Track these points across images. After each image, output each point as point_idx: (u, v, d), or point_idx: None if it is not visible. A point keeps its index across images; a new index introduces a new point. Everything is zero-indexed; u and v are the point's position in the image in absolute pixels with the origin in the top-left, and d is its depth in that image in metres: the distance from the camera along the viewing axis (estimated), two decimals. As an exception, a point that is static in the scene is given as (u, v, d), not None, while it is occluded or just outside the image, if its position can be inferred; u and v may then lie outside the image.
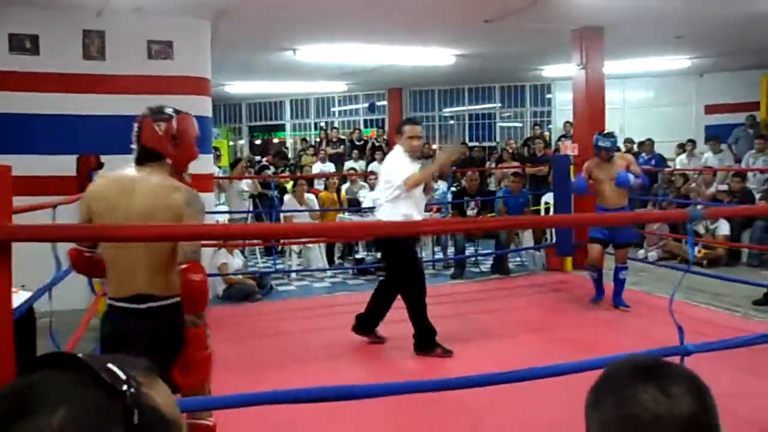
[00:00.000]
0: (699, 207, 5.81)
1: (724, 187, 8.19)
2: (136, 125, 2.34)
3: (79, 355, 0.59)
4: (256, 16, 6.66)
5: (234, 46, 8.07)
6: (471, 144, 12.78)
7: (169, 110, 2.33)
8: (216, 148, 9.68)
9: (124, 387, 0.57)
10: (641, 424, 0.78)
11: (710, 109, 12.11)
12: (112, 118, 6.07)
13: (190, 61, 6.37)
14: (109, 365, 0.58)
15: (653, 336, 4.26)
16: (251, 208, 8.24)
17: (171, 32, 6.26)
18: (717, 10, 6.78)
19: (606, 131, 5.97)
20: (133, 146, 2.33)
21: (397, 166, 4.41)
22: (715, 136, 10.22)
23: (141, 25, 6.11)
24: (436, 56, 9.24)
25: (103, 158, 5.86)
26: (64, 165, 5.78)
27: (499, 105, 13.69)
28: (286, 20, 6.95)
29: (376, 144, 12.32)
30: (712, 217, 7.03)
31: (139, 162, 2.31)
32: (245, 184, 8.17)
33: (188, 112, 2.45)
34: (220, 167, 9.55)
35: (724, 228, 7.47)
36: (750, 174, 8.65)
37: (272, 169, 10.27)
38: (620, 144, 10.89)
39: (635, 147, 10.50)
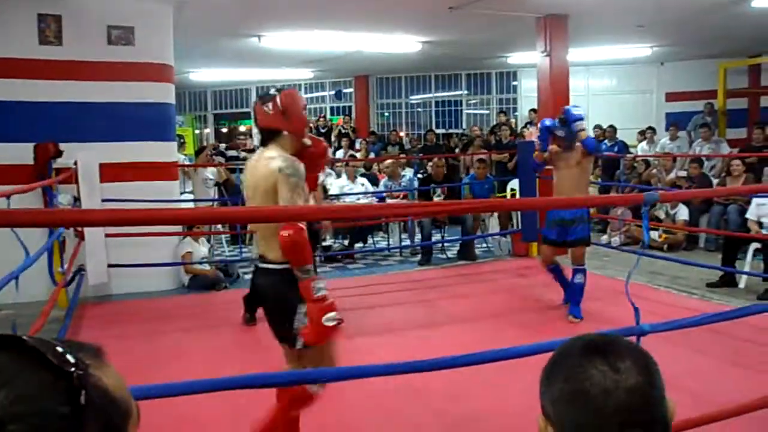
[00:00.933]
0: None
1: (683, 173, 8.39)
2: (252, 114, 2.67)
3: (24, 337, 0.58)
4: (219, 2, 6.56)
5: (198, 33, 7.94)
6: (438, 131, 12.87)
7: (272, 91, 2.57)
8: (180, 136, 9.55)
9: (72, 369, 0.57)
10: (590, 397, 0.80)
11: (671, 97, 12.37)
12: (70, 105, 5.94)
13: (152, 47, 6.23)
14: (57, 347, 0.58)
15: (613, 318, 4.37)
16: (216, 196, 8.15)
17: (132, 17, 6.11)
18: (676, 1, 6.91)
19: (561, 117, 5.74)
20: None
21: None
22: (675, 123, 10.45)
23: (100, 9, 5.95)
24: (402, 43, 9.23)
25: (62, 146, 5.75)
26: (20, 153, 5.64)
27: (466, 92, 13.76)
28: (251, 6, 6.86)
29: (343, 131, 12.28)
30: (666, 201, 7.16)
31: (264, 144, 2.57)
32: (210, 172, 8.07)
33: (292, 87, 2.56)
34: (185, 155, 9.42)
35: (683, 213, 7.66)
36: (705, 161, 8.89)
37: (235, 153, 10.13)
38: (590, 131, 11.11)
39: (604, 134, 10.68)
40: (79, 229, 5.60)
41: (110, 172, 5.84)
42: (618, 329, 2.17)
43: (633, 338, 2.16)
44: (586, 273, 5.04)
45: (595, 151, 5.26)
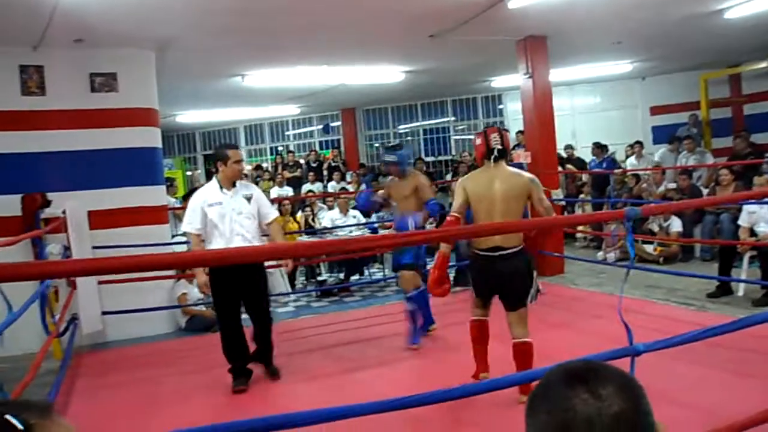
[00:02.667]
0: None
1: (673, 185, 8.41)
2: (495, 134, 3.75)
3: None
4: (199, 45, 6.60)
5: (181, 75, 7.99)
6: (427, 159, 12.92)
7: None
8: (170, 179, 9.52)
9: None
10: (573, 428, 0.78)
11: (655, 110, 12.47)
12: (56, 154, 5.93)
13: (135, 92, 6.26)
14: (6, 416, 0.57)
15: (612, 336, 4.31)
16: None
17: (114, 64, 6.15)
18: (650, 17, 7.00)
19: (393, 143, 5.55)
20: (498, 147, 3.67)
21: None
22: (692, 136, 10.46)
23: (82, 57, 5.98)
24: (385, 74, 9.30)
25: (50, 195, 5.73)
26: (8, 205, 5.61)
27: (453, 118, 13.85)
28: (231, 47, 6.91)
29: (333, 164, 12.31)
30: (650, 215, 7.12)
31: (496, 160, 3.68)
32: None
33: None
34: (176, 198, 9.38)
35: (676, 225, 7.66)
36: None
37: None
38: (561, 150, 11.21)
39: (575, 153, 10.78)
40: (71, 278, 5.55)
41: (100, 219, 5.81)
42: (610, 351, 2.13)
43: (627, 359, 2.13)
44: (421, 295, 4.95)
45: (435, 214, 5.43)
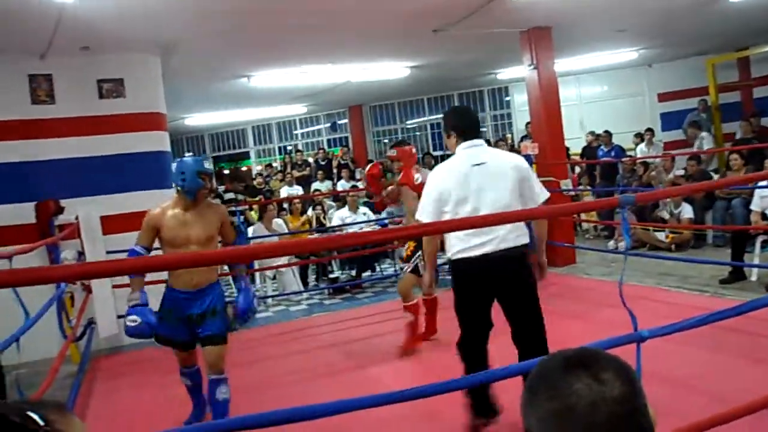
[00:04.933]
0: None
1: (681, 172, 8.37)
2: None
3: None
4: (205, 48, 6.66)
5: (187, 78, 8.05)
6: (435, 153, 12.92)
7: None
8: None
9: (37, 427, 0.59)
10: (577, 412, 0.79)
11: (663, 97, 12.40)
12: (67, 161, 6.01)
13: (142, 97, 6.32)
14: (22, 409, 0.60)
15: (621, 324, 4.31)
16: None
17: (121, 70, 6.21)
18: (654, 3, 6.97)
19: (188, 155, 4.26)
20: None
21: None
22: (696, 122, 10.37)
23: (89, 65, 6.05)
24: (390, 70, 9.32)
25: (63, 202, 5.81)
26: (22, 213, 5.69)
27: (460, 112, 13.80)
28: (236, 49, 6.96)
29: (342, 162, 12.34)
30: (643, 201, 6.99)
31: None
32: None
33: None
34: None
35: (687, 211, 7.62)
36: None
37: (232, 195, 10.19)
38: (581, 137, 11.16)
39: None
40: (86, 282, 5.63)
41: (112, 224, 5.88)
42: (615, 338, 2.14)
43: (633, 345, 2.14)
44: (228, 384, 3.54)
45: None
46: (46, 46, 5.54)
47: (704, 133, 10.12)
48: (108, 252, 5.71)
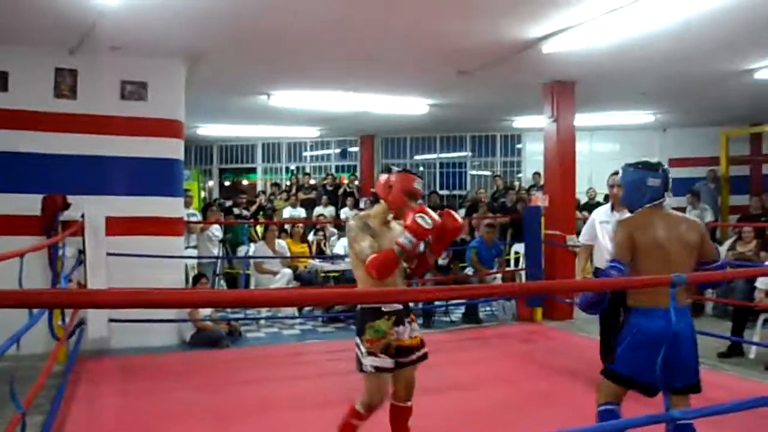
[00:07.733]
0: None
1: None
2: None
3: None
4: (232, 60, 6.67)
5: (208, 89, 8.06)
6: (441, 192, 12.93)
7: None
8: (187, 190, 9.55)
9: None
10: None
11: (674, 163, 12.43)
12: (81, 158, 5.97)
13: (163, 103, 6.31)
14: None
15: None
16: (221, 252, 8.10)
17: (146, 73, 6.20)
18: (679, 71, 7.03)
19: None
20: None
21: None
22: (695, 191, 10.40)
23: (115, 64, 6.05)
24: (411, 105, 9.35)
25: (71, 198, 5.75)
26: (29, 204, 5.63)
27: (470, 154, 13.89)
28: (263, 65, 6.98)
29: (348, 190, 12.32)
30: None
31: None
32: (216, 229, 8.07)
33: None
34: (194, 209, 9.36)
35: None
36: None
37: (237, 211, 10.13)
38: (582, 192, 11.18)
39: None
40: (81, 282, 5.54)
41: (116, 226, 5.82)
42: (647, 416, 2.07)
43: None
44: None
45: None
46: (77, 42, 5.54)
47: (705, 205, 10.14)
48: (108, 254, 5.65)
